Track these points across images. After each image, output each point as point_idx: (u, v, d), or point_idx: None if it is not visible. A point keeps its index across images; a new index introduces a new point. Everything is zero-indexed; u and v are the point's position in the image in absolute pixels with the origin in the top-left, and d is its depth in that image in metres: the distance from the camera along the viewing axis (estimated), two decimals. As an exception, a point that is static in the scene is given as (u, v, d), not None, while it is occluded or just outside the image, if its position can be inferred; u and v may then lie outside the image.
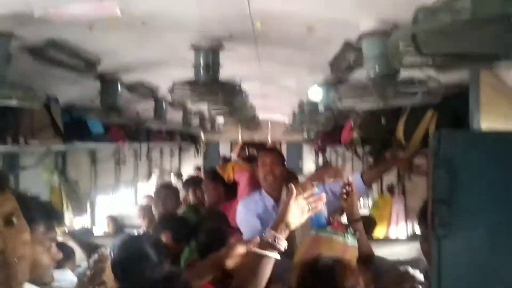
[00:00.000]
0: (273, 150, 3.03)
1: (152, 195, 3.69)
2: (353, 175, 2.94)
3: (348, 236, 2.03)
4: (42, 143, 3.16)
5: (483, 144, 1.19)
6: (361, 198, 5.45)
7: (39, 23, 2.21)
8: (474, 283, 1.23)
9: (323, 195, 1.74)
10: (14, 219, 1.04)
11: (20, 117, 3.00)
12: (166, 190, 3.24)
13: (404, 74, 2.01)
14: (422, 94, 1.91)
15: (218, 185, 3.57)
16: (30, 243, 1.09)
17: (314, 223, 2.28)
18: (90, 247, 3.12)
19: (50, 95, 3.19)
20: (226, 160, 9.43)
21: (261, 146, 11.92)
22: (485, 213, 1.20)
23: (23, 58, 2.42)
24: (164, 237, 2.75)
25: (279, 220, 1.61)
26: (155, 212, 3.27)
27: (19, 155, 3.58)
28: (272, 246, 1.55)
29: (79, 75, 3.04)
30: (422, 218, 2.09)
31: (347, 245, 1.96)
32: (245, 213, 2.88)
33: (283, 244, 1.57)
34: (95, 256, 2.15)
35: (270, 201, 2.87)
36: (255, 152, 10.97)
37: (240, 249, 1.65)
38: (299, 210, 1.63)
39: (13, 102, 2.06)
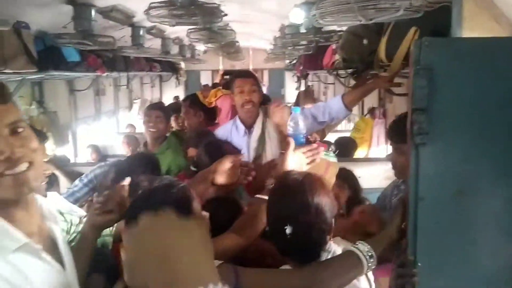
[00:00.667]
0: (250, 75, 2.90)
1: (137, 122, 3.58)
2: (333, 98, 2.94)
3: (329, 153, 2.06)
4: (16, 71, 3.06)
5: (464, 51, 1.18)
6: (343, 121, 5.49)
7: None
8: (450, 190, 1.26)
9: (321, 148, 1.74)
10: (20, 128, 1.07)
11: (-10, 44, 2.87)
12: (157, 111, 3.15)
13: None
14: (405, 9, 1.87)
15: (197, 110, 3.51)
16: (40, 150, 1.11)
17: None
18: (74, 175, 3.12)
19: (19, 21, 3.04)
20: (208, 87, 9.37)
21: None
22: (464, 121, 1.21)
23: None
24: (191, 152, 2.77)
25: (279, 169, 1.64)
26: (146, 132, 3.18)
27: (-7, 85, 3.48)
28: None
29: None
30: (392, 133, 2.12)
31: (329, 162, 1.99)
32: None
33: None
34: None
35: (241, 129, 2.83)
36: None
37: (227, 165, 1.68)
38: (297, 162, 1.67)
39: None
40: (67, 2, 3.30)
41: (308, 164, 1.72)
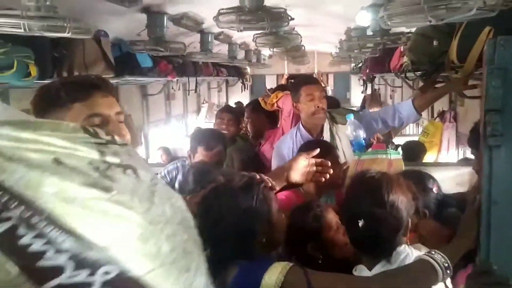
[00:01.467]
0: (317, 81, 2.82)
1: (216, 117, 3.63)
2: (404, 102, 2.87)
3: (390, 152, 2.05)
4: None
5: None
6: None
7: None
8: (525, 193, 1.22)
9: (330, 170, 1.71)
10: (121, 118, 1.22)
11: (73, 52, 3.10)
12: (229, 114, 3.25)
13: (458, -12, 1.90)
14: (478, 8, 1.81)
15: (259, 115, 3.54)
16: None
17: (355, 148, 2.28)
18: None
19: (99, 30, 3.25)
20: (272, 90, 9.43)
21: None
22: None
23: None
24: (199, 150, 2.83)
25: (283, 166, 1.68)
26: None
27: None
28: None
29: (126, 8, 3.07)
30: (473, 140, 2.06)
31: (390, 160, 1.99)
32: (277, 151, 2.77)
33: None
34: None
35: (308, 138, 2.74)
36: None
37: (303, 162, 1.69)
38: (304, 170, 1.67)
39: (67, 34, 2.12)
40: (142, 11, 3.48)
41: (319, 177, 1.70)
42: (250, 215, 1.38)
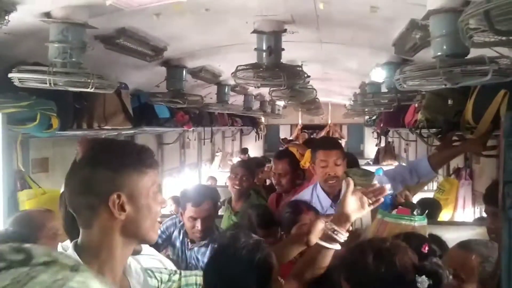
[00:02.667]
0: (334, 146, 2.73)
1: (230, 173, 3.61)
2: (420, 160, 2.87)
3: (415, 218, 2.02)
4: (113, 127, 3.35)
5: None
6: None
7: (111, 13, 2.33)
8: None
9: (386, 186, 1.70)
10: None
11: (94, 103, 3.19)
12: (243, 169, 3.24)
13: (473, 51, 1.94)
14: (493, 73, 1.84)
15: (296, 169, 3.36)
16: None
17: (383, 207, 2.26)
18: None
19: (120, 82, 3.35)
20: (286, 141, 9.51)
21: (319, 127, 11.86)
22: (560, 194, 1.16)
23: (95, 46, 2.57)
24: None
25: (338, 212, 1.63)
26: (231, 188, 3.28)
27: (93, 139, 3.82)
28: (332, 238, 1.58)
29: (147, 62, 3.18)
30: (490, 197, 2.04)
31: (414, 227, 1.97)
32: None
33: (342, 237, 1.59)
34: None
35: (325, 199, 2.71)
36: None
37: (321, 225, 1.68)
38: (357, 203, 1.63)
39: (90, 89, 2.20)
40: (162, 64, 3.59)
41: (370, 204, 1.65)
42: (248, 279, 1.40)
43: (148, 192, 1.20)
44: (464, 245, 1.76)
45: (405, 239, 1.79)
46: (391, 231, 2.00)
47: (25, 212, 2.28)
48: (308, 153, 3.32)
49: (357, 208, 1.62)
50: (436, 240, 2.36)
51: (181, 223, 2.79)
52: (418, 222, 2.04)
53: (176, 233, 2.84)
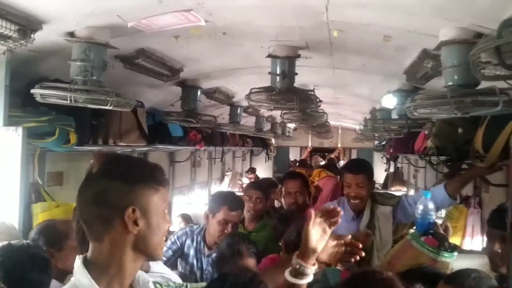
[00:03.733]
0: (359, 170, 2.94)
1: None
2: (437, 187, 2.91)
3: (441, 254, 2.01)
4: (128, 144, 3.41)
5: None
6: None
7: (131, 34, 2.42)
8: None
9: (338, 208, 1.65)
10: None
11: (110, 120, 3.26)
12: (258, 191, 3.25)
13: (484, 82, 1.97)
14: (503, 104, 1.87)
15: (307, 190, 3.43)
16: None
17: (417, 227, 2.27)
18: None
19: (136, 100, 3.43)
20: (295, 163, 9.54)
21: (329, 151, 11.90)
22: None
23: (115, 65, 2.65)
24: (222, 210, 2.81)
25: (303, 247, 1.61)
26: (245, 210, 3.30)
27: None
28: (300, 273, 1.56)
29: (163, 82, 3.26)
30: (494, 220, 2.05)
31: (435, 261, 1.96)
32: None
33: (310, 271, 1.57)
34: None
35: (350, 213, 2.89)
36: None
37: (331, 242, 1.66)
38: (319, 232, 1.60)
39: (108, 107, 2.27)
40: (177, 84, 3.67)
41: (331, 226, 1.62)
42: None
43: (159, 209, 1.23)
44: (450, 279, 1.74)
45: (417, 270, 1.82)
46: (413, 255, 2.02)
47: (51, 221, 2.33)
48: (316, 171, 3.42)
49: (320, 235, 1.60)
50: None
51: (197, 230, 2.88)
52: (441, 258, 2.03)
53: (188, 241, 2.90)
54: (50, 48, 2.43)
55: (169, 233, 4.42)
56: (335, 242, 1.68)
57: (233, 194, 3.02)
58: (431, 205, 2.29)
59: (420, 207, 2.29)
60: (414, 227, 2.47)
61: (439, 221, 4.42)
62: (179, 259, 2.96)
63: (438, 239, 2.06)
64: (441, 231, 2.18)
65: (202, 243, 2.84)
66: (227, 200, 2.79)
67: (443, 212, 5.19)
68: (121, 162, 1.26)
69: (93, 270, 1.18)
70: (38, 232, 2.16)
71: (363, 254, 1.70)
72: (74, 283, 1.20)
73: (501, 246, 1.96)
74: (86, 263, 1.20)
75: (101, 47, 2.32)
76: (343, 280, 1.56)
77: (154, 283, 1.44)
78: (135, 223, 1.18)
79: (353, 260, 1.70)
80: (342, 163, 10.71)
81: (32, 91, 2.29)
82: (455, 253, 2.10)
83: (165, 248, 2.98)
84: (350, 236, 1.66)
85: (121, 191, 1.18)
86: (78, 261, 1.21)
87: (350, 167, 3.09)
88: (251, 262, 2.44)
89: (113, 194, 1.18)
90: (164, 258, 2.95)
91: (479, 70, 1.43)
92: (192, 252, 2.88)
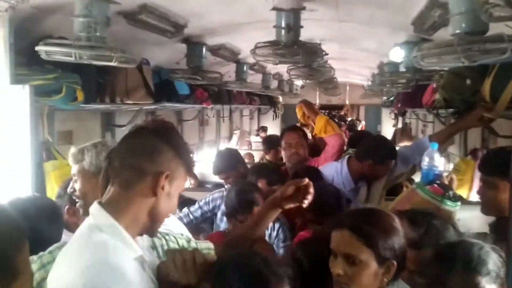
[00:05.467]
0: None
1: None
2: (422, 140, 2.94)
3: (446, 202, 2.05)
4: (135, 102, 3.43)
5: None
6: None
7: (133, -12, 2.39)
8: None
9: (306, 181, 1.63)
10: None
11: (116, 78, 3.27)
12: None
13: (492, 30, 1.94)
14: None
15: (306, 143, 3.44)
16: None
17: (423, 178, 2.31)
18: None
19: (142, 58, 3.42)
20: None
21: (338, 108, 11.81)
22: None
23: (118, 22, 2.63)
24: (260, 183, 2.84)
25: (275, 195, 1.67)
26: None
27: (115, 113, 3.90)
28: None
29: (168, 39, 3.23)
30: (487, 163, 2.11)
31: (439, 209, 2.00)
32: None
33: None
34: None
35: (349, 182, 2.90)
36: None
37: (291, 189, 1.63)
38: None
39: (113, 63, 2.26)
40: (182, 41, 3.64)
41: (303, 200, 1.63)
42: None
43: (180, 188, 1.32)
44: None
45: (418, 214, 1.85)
46: (417, 202, 2.06)
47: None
48: (321, 121, 3.37)
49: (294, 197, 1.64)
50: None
51: None
52: (445, 206, 2.07)
53: (223, 207, 2.79)
54: (53, 5, 2.41)
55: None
56: (294, 188, 1.64)
57: (271, 166, 3.08)
58: (437, 157, 2.31)
59: (426, 158, 2.31)
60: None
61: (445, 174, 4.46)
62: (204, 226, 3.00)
63: (443, 188, 2.09)
64: (445, 182, 2.22)
65: None
66: (264, 174, 2.87)
67: (451, 165, 5.21)
68: (175, 133, 1.35)
69: (111, 212, 1.24)
70: (64, 187, 2.19)
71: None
72: (94, 223, 1.24)
73: (492, 192, 2.00)
74: (103, 206, 1.25)
75: (103, 2, 2.31)
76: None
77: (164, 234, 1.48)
78: (163, 188, 1.25)
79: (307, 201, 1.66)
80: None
81: (36, 48, 2.29)
82: (459, 203, 2.14)
83: (196, 206, 3.03)
84: (307, 180, 1.63)
85: (167, 155, 1.27)
86: (95, 205, 1.26)
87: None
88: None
89: (160, 154, 1.26)
90: (191, 216, 3.01)
91: (485, 12, 1.40)
92: (220, 215, 2.91)
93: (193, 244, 1.56)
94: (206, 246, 1.59)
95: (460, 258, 1.49)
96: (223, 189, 2.99)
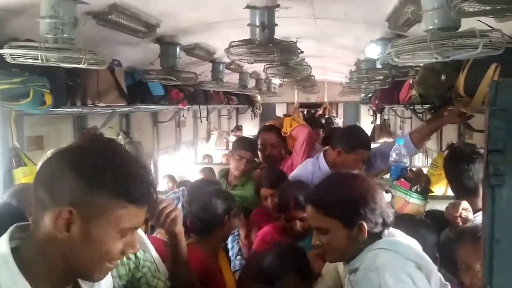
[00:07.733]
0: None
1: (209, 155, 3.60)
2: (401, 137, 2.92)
3: (411, 195, 2.06)
4: (108, 105, 3.35)
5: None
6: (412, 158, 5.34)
7: (102, -12, 2.32)
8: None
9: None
10: None
11: (87, 80, 3.18)
12: (247, 152, 3.16)
13: (464, 26, 1.94)
14: (484, 46, 1.85)
15: (281, 141, 3.34)
16: None
17: (392, 173, 2.32)
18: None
19: (113, 59, 3.34)
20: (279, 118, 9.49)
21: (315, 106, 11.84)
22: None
23: (87, 22, 2.55)
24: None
25: None
26: (233, 170, 3.23)
27: (88, 116, 3.81)
28: None
29: (140, 39, 3.16)
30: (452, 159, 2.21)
31: (407, 202, 2.01)
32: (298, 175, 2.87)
33: None
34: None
35: (326, 169, 2.82)
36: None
37: None
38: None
39: (82, 65, 2.19)
40: (155, 41, 3.57)
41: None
42: None
43: (114, 228, 1.04)
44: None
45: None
46: None
47: (23, 185, 2.29)
48: (287, 121, 3.35)
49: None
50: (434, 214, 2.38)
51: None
52: (413, 199, 2.07)
53: (180, 206, 2.67)
54: (18, 6, 2.33)
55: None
56: None
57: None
58: (404, 152, 2.32)
59: (393, 154, 2.32)
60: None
61: (425, 170, 4.48)
62: None
63: (410, 182, 2.11)
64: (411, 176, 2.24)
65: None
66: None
67: (429, 161, 5.26)
68: (111, 155, 1.04)
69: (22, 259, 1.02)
70: (10, 196, 2.11)
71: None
72: None
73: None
74: (17, 249, 1.04)
75: (71, 2, 2.24)
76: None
77: None
78: (66, 227, 1.00)
79: None
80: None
81: (1, 51, 2.20)
82: (427, 197, 2.15)
83: None
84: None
85: (72, 185, 1.00)
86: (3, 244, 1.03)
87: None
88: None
89: (63, 184, 1.00)
90: None
91: (454, 7, 1.39)
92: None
93: (144, 270, 1.50)
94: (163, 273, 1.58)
95: None
96: (176, 190, 2.93)
